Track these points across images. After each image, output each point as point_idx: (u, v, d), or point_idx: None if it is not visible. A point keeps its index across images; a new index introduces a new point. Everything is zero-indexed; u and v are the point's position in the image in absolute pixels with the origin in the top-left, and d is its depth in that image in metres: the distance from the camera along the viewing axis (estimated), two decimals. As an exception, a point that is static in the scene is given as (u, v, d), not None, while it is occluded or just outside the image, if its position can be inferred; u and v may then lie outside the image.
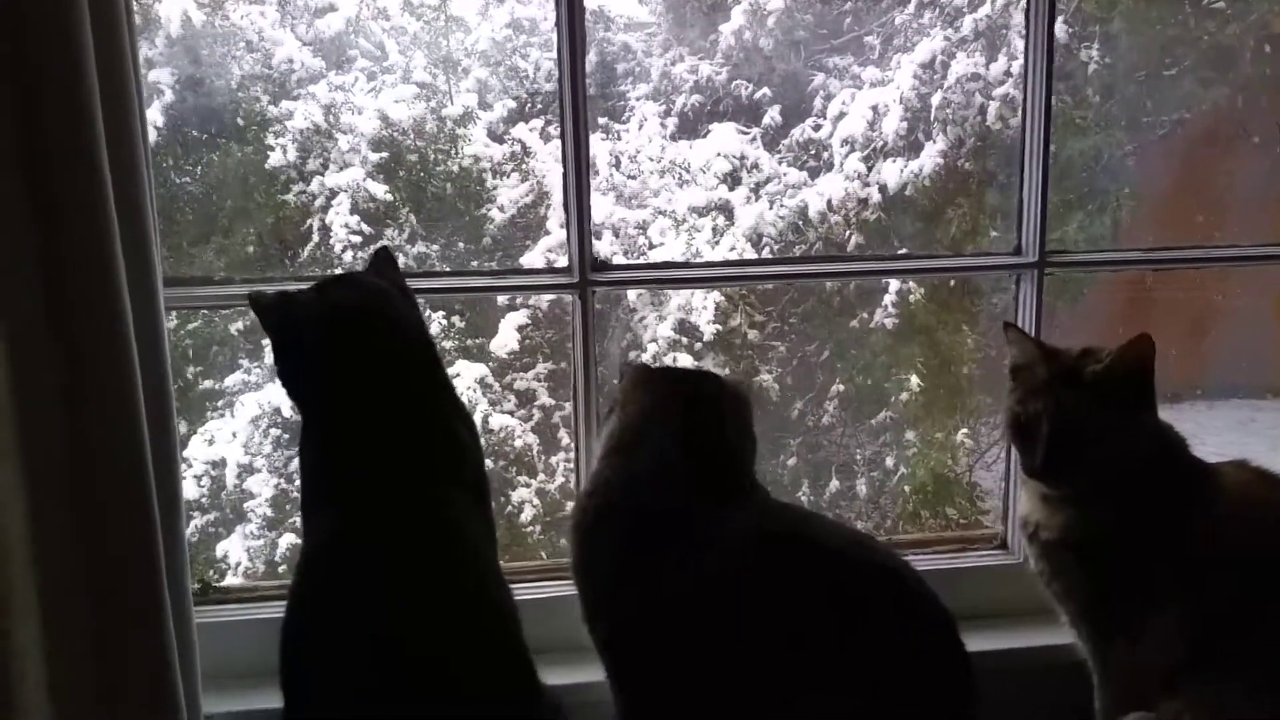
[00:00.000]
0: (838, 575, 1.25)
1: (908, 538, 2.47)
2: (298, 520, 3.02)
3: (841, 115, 3.31)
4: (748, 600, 1.22)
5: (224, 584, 1.87)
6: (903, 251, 3.32)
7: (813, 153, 3.37)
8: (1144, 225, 3.22)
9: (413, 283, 1.49)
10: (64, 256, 1.25)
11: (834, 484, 3.26)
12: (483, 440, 1.51)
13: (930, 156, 3.20)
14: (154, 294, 1.38)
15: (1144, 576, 1.42)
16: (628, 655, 1.29)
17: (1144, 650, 1.41)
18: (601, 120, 3.35)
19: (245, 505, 3.07)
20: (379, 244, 1.60)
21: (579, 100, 1.69)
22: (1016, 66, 3.10)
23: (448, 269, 3.11)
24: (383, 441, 1.31)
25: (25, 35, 1.21)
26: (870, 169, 3.26)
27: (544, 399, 3.28)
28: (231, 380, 3.13)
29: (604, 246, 3.14)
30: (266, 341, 3.05)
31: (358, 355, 1.34)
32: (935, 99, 3.21)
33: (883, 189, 3.23)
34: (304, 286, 1.44)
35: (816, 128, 3.38)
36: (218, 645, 1.55)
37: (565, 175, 1.72)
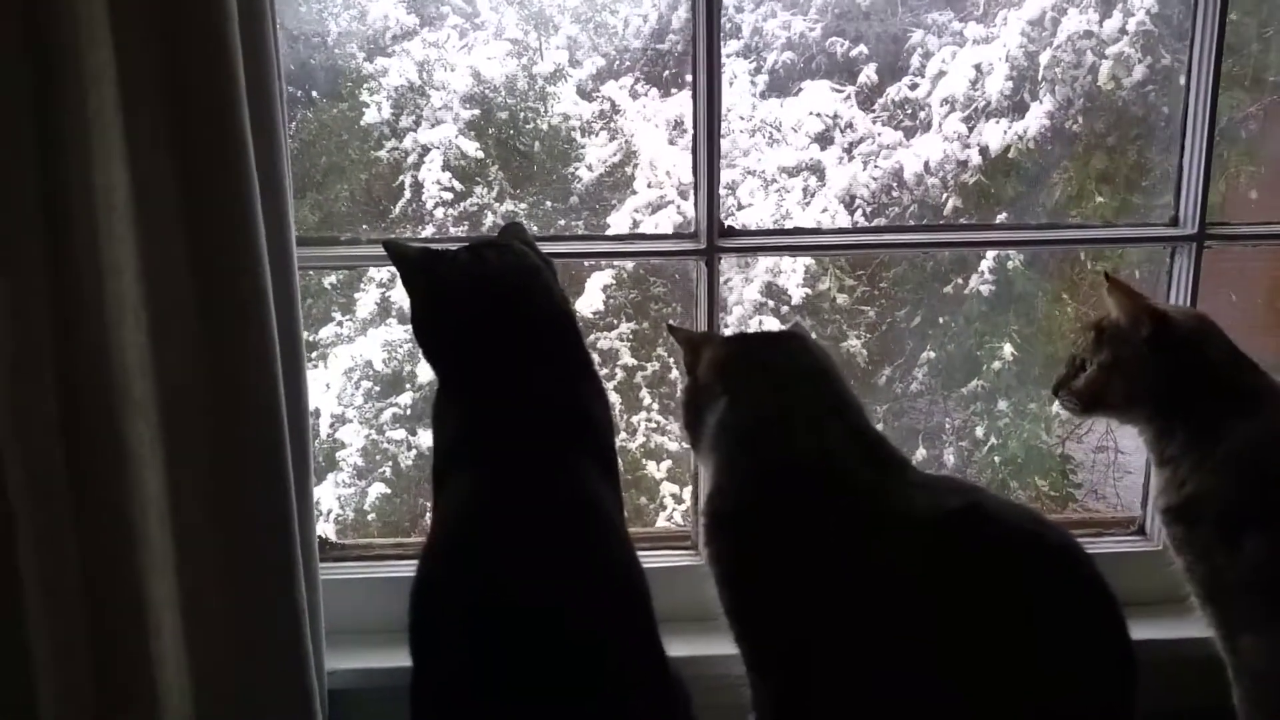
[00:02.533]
0: (1017, 552, 1.20)
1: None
2: (387, 470, 3.13)
3: (941, 74, 3.19)
4: (935, 581, 1.18)
5: (338, 540, 1.90)
6: (1002, 217, 3.21)
7: (909, 112, 3.27)
8: (1264, 192, 3.05)
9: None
10: (207, 213, 1.28)
11: (921, 451, 3.21)
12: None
13: (1036, 118, 3.07)
14: (288, 252, 1.40)
15: (1268, 564, 1.35)
16: (795, 648, 1.25)
17: (1277, 650, 1.35)
18: (689, 77, 3.29)
19: (337, 455, 3.14)
20: (513, 220, 1.59)
21: (713, 57, 1.63)
22: (1133, 24, 2.96)
23: (537, 229, 3.11)
24: (523, 411, 1.30)
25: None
26: (971, 130, 3.15)
27: (626, 358, 3.29)
28: (325, 333, 3.19)
29: (690, 207, 3.12)
30: (359, 295, 3.17)
31: (511, 324, 1.33)
32: (1043, 57, 3.07)
33: (984, 151, 3.12)
34: (447, 247, 1.42)
35: (914, 86, 3.27)
36: (335, 602, 1.59)
37: (695, 137, 1.69)
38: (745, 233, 1.88)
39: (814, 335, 1.58)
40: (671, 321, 1.89)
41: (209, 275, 1.29)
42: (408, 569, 1.30)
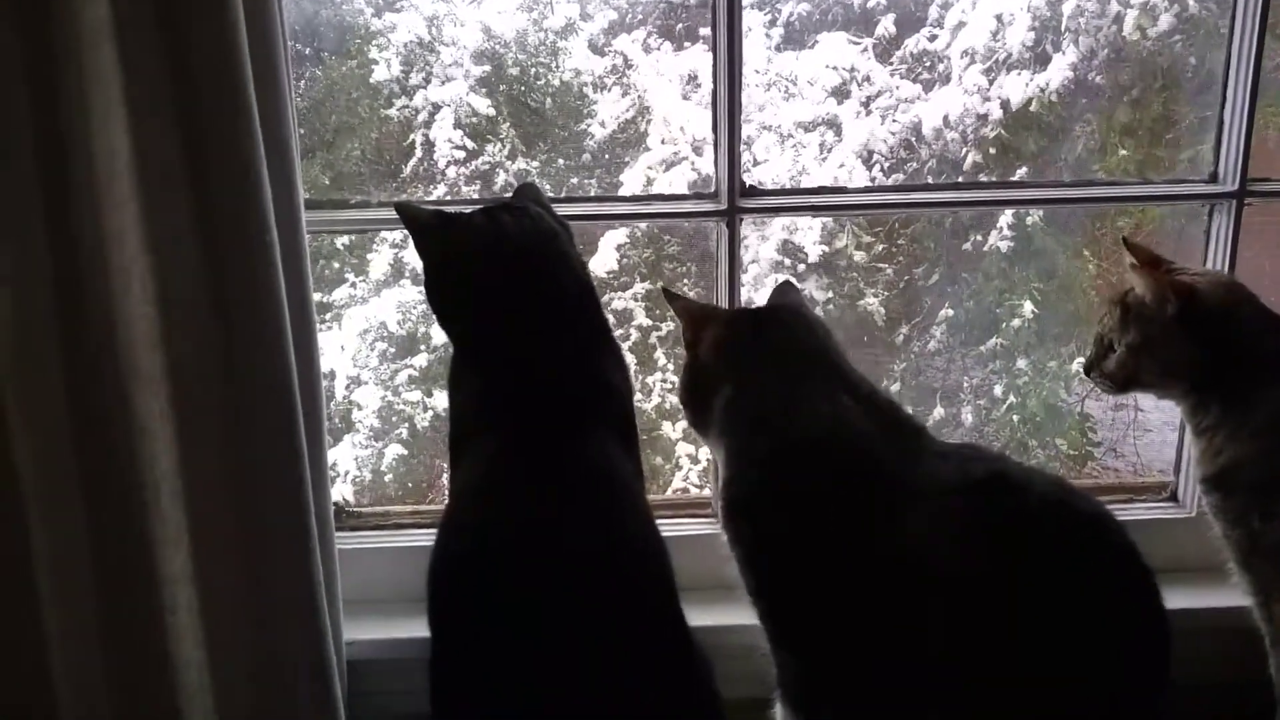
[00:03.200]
0: (1046, 523, 1.18)
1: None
2: (404, 431, 3.13)
3: (961, 25, 3.12)
4: (961, 554, 1.15)
5: (356, 508, 1.89)
6: (1022, 172, 3.15)
7: (928, 65, 3.20)
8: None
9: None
10: (212, 178, 1.25)
11: (938, 410, 3.18)
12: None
13: (1059, 69, 3.00)
14: (296, 215, 1.36)
15: None
16: (821, 627, 1.23)
17: None
18: (704, 31, 3.23)
19: (354, 416, 3.14)
20: (526, 179, 1.55)
21: (734, 11, 1.57)
22: (1159, -29, 2.88)
23: (549, 187, 3.07)
24: (540, 379, 1.28)
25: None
26: (991, 83, 3.08)
27: (641, 319, 3.26)
28: (338, 294, 3.18)
29: (705, 163, 3.07)
30: (372, 256, 3.15)
31: (528, 290, 1.30)
32: (1067, 7, 2.99)
33: (1005, 104, 3.05)
34: (463, 210, 1.38)
35: (933, 38, 3.20)
36: (352, 572, 1.58)
37: (715, 94, 1.64)
38: (767, 192, 1.83)
39: (824, 295, 1.55)
40: (667, 286, 1.86)
41: (215, 242, 1.26)
42: (426, 537, 1.29)
